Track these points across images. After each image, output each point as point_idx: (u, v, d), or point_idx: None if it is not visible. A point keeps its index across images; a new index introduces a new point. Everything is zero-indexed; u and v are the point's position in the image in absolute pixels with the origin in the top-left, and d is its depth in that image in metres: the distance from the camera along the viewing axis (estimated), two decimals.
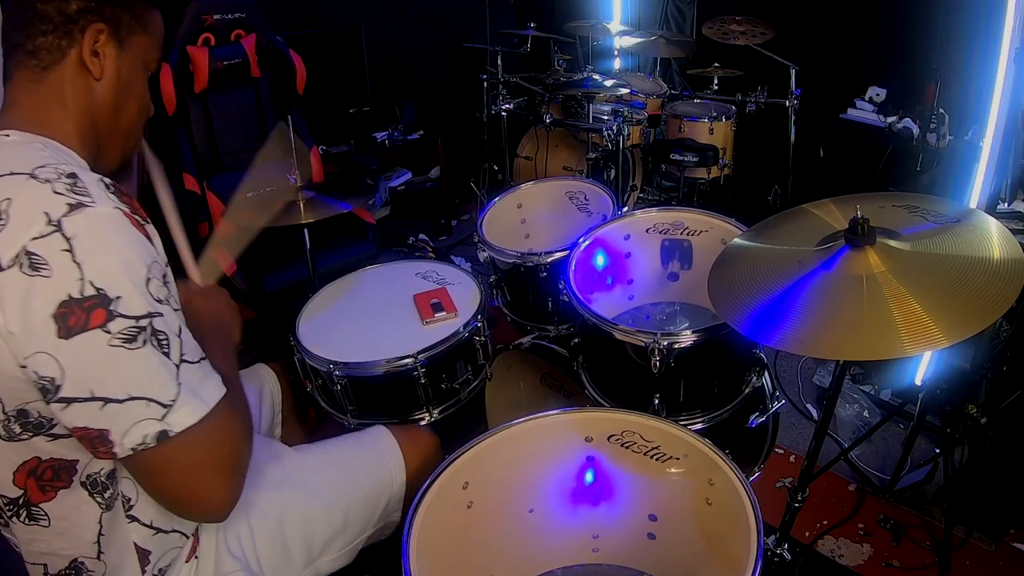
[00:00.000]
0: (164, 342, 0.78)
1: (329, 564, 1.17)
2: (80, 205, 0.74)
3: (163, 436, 0.77)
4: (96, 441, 0.76)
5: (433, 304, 1.67)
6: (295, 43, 2.74)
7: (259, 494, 1.10)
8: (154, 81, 2.37)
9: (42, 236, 0.71)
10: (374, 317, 1.68)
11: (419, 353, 1.52)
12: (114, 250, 0.75)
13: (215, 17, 2.51)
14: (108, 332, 0.73)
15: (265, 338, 2.59)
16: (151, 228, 0.83)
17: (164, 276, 0.81)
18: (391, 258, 2.52)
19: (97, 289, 0.72)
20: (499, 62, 3.16)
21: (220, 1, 2.52)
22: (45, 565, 0.91)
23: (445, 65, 4.02)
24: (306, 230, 1.85)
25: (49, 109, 0.85)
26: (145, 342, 0.76)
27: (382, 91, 3.53)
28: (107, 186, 0.79)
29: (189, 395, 0.79)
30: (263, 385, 1.51)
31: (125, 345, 0.74)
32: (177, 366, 0.79)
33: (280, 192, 1.77)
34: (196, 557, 1.01)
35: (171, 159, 2.54)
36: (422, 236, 3.65)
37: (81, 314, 0.72)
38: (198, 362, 0.83)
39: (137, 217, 0.79)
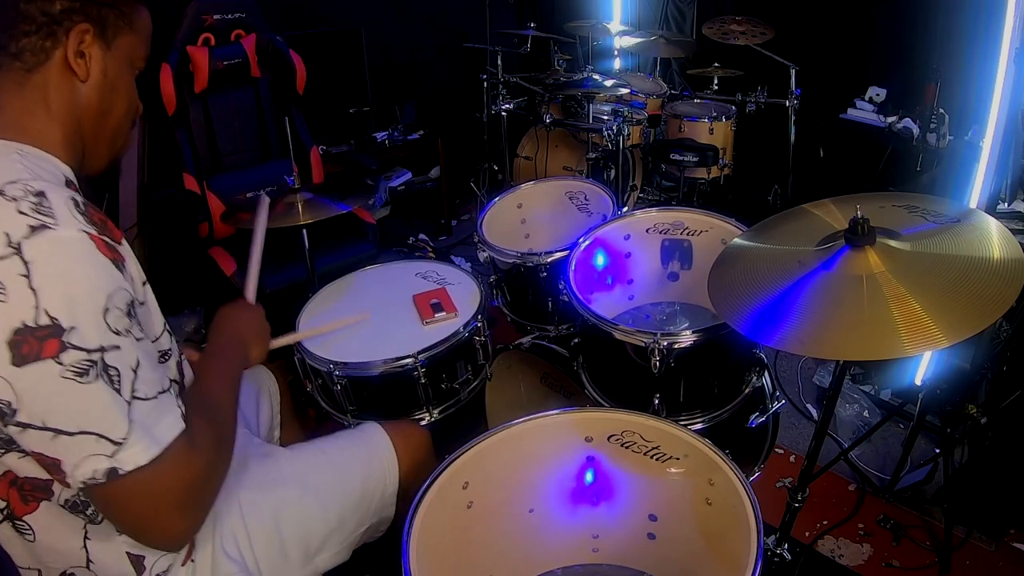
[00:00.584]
0: (115, 377, 0.74)
1: (326, 561, 1.17)
2: (43, 227, 0.71)
3: (113, 473, 0.74)
4: (51, 468, 0.75)
5: (433, 304, 1.67)
6: (295, 43, 2.74)
7: (253, 494, 1.10)
8: (154, 81, 2.38)
9: (1, 259, 0.70)
10: (374, 317, 1.68)
11: (419, 353, 1.52)
12: (73, 278, 0.72)
13: (215, 17, 2.51)
14: (60, 364, 0.71)
15: None
16: (124, 248, 0.80)
17: (129, 304, 0.77)
18: (391, 258, 2.52)
19: (52, 318, 0.70)
20: (499, 62, 3.16)
21: (220, 1, 2.52)
22: (39, 571, 0.91)
23: (445, 65, 4.02)
24: (304, 231, 1.85)
25: (33, 112, 0.83)
26: (97, 376, 0.73)
27: (382, 91, 3.53)
28: (76, 204, 0.76)
29: (141, 434, 0.76)
30: (262, 386, 1.51)
31: (77, 378, 0.72)
32: (128, 403, 0.76)
33: (280, 193, 1.76)
34: (192, 560, 1.00)
35: (171, 159, 2.54)
36: (422, 236, 3.65)
37: (35, 343, 0.70)
38: (154, 398, 0.79)
39: (106, 239, 0.76)
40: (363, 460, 1.25)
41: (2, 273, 0.69)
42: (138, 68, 0.93)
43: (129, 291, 0.78)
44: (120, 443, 0.74)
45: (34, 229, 0.71)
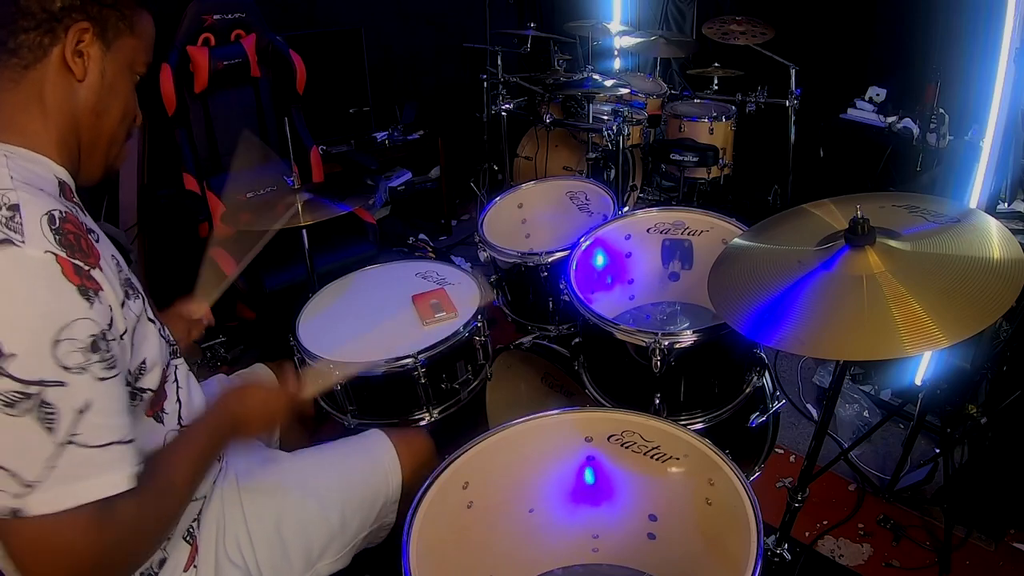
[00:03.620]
0: (51, 416, 0.69)
1: (327, 567, 1.17)
2: (7, 242, 0.69)
3: (16, 513, 0.69)
4: None
5: (432, 304, 1.67)
6: (295, 43, 2.74)
7: (257, 499, 1.10)
8: (154, 81, 2.38)
9: None
10: (374, 317, 1.68)
11: (419, 353, 1.52)
12: (25, 300, 0.68)
13: (215, 17, 2.51)
14: None
15: (265, 338, 2.59)
16: (99, 274, 0.75)
17: (94, 338, 0.72)
18: (391, 258, 2.51)
19: None
20: (499, 62, 3.16)
21: (220, 1, 2.52)
22: None
23: (445, 65, 4.02)
24: (304, 231, 1.85)
25: (27, 110, 0.82)
26: (27, 412, 0.68)
27: (382, 91, 3.53)
28: (52, 221, 0.73)
29: (56, 482, 0.70)
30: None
31: (3, 408, 0.67)
32: (62, 445, 0.70)
33: (280, 194, 1.77)
34: (195, 566, 1.00)
35: (171, 159, 2.54)
36: (422, 236, 3.65)
37: None
38: (98, 447, 0.72)
39: (77, 263, 0.72)
40: (366, 466, 1.25)
41: None
42: (138, 73, 0.91)
43: (97, 322, 0.73)
44: (29, 486, 0.69)
45: None
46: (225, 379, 1.45)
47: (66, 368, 0.70)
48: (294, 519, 1.12)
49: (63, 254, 0.72)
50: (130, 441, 0.77)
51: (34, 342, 0.68)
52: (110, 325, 0.76)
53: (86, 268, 0.74)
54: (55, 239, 0.72)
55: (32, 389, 0.68)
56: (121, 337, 0.79)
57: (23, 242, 0.70)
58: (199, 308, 1.30)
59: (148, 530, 0.82)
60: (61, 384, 0.70)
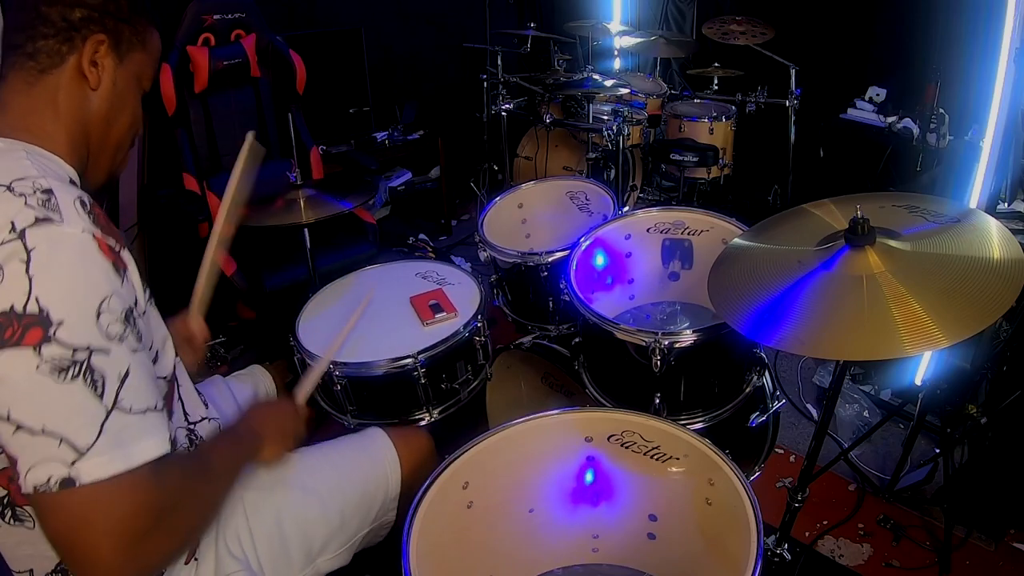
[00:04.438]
0: (98, 381, 0.71)
1: (327, 564, 1.17)
2: (47, 220, 0.72)
3: (67, 484, 0.69)
4: (12, 466, 0.72)
5: (432, 305, 1.67)
6: (295, 43, 2.74)
7: (255, 494, 1.10)
8: (154, 82, 2.38)
9: (3, 243, 0.70)
10: (374, 317, 1.68)
11: (419, 353, 1.52)
12: (70, 273, 0.72)
13: (215, 17, 2.51)
14: (39, 355, 0.69)
15: (265, 338, 2.59)
16: (126, 256, 0.79)
17: (126, 312, 0.76)
18: (391, 258, 2.52)
19: (41, 308, 0.69)
20: (499, 62, 3.16)
21: (220, 1, 2.52)
22: (31, 571, 0.89)
23: (445, 65, 4.02)
24: (306, 230, 1.85)
25: (40, 113, 0.85)
26: (75, 376, 0.70)
27: (382, 91, 3.53)
28: (83, 205, 0.76)
29: (110, 445, 0.71)
30: (258, 386, 1.52)
31: (52, 374, 0.69)
32: (108, 410, 0.72)
33: (279, 191, 1.77)
34: (196, 559, 1.00)
35: (171, 159, 2.54)
36: (422, 236, 3.65)
37: (18, 329, 0.68)
38: (141, 413, 0.75)
39: (110, 242, 0.76)
40: (366, 464, 1.25)
41: (2, 256, 0.70)
42: (144, 87, 0.95)
43: (127, 298, 0.77)
44: (83, 452, 0.70)
45: (39, 220, 0.72)
46: (222, 380, 1.45)
47: (109, 336, 0.73)
48: (294, 515, 1.13)
49: (97, 233, 0.75)
50: (162, 410, 0.79)
51: (80, 310, 0.71)
52: (135, 303, 0.80)
53: (116, 248, 0.77)
54: (89, 219, 0.76)
55: (80, 356, 0.70)
56: (143, 315, 0.83)
57: (62, 222, 0.73)
58: (196, 325, 1.29)
59: (192, 504, 0.84)
60: (106, 352, 0.72)
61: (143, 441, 0.75)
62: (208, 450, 0.98)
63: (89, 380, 0.71)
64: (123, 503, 0.72)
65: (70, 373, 0.70)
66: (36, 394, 0.70)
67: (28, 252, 0.70)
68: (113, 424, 0.72)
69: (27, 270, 0.69)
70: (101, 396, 0.72)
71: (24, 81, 0.84)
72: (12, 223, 0.71)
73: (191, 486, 0.83)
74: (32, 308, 0.69)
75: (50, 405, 0.70)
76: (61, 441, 0.70)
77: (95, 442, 0.71)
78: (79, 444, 0.70)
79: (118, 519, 0.72)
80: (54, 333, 0.69)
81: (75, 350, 0.70)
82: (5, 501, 0.84)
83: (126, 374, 0.74)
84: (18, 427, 0.70)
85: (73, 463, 0.70)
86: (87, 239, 0.74)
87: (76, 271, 0.72)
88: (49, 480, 0.69)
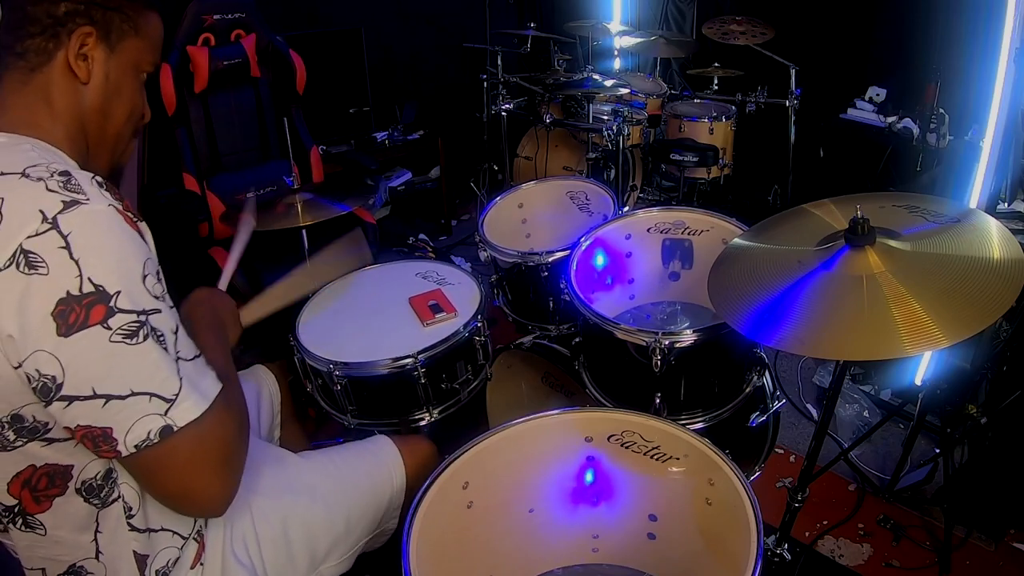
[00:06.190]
0: (162, 337, 0.78)
1: (331, 570, 1.17)
2: (75, 203, 0.74)
3: (167, 431, 0.77)
4: (99, 440, 0.76)
5: (432, 305, 1.67)
6: (295, 43, 2.74)
7: (264, 499, 1.10)
8: (154, 81, 2.38)
9: (38, 234, 0.71)
10: (374, 317, 1.68)
11: (419, 353, 1.52)
12: (111, 247, 0.75)
13: (215, 17, 2.50)
14: (109, 328, 0.73)
15: (265, 338, 2.59)
16: (143, 225, 0.83)
17: (158, 273, 0.81)
18: (391, 258, 2.51)
19: (96, 286, 0.72)
20: (499, 62, 3.16)
21: (220, 1, 2.51)
22: (43, 570, 0.90)
23: (445, 65, 4.02)
24: (304, 231, 1.85)
25: (36, 110, 0.85)
26: (146, 337, 0.76)
27: (382, 91, 3.53)
28: (99, 184, 0.79)
29: (191, 389, 0.79)
30: (261, 386, 1.51)
31: (126, 341, 0.74)
32: (176, 360, 0.79)
33: (278, 195, 1.77)
34: (202, 564, 1.00)
35: (171, 159, 2.54)
36: (422, 236, 3.65)
37: (80, 311, 0.71)
38: (192, 359, 0.84)
39: (130, 214, 0.80)
40: (372, 471, 1.26)
41: (41, 247, 0.71)
42: (145, 72, 0.94)
43: (155, 261, 0.81)
44: (172, 400, 0.77)
45: (67, 204, 0.73)
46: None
47: (156, 296, 0.79)
48: (301, 521, 1.13)
49: (119, 207, 0.78)
50: (201, 354, 0.87)
51: (130, 278, 0.76)
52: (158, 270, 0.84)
53: (136, 219, 0.81)
54: (109, 195, 0.79)
55: (143, 318, 0.76)
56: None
57: (88, 200, 0.75)
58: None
59: (242, 410, 0.93)
60: (158, 311, 0.78)
61: (206, 380, 0.84)
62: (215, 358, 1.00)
63: (155, 337, 0.77)
64: (215, 435, 0.82)
65: (140, 335, 0.75)
66: (115, 363, 0.74)
67: (65, 238, 0.72)
68: (185, 371, 0.80)
69: (70, 255, 0.72)
70: (167, 350, 0.79)
71: (18, 81, 0.85)
72: (41, 211, 0.72)
73: (236, 397, 0.93)
74: (88, 288, 0.72)
75: (131, 369, 0.75)
76: (151, 397, 0.76)
77: (180, 390, 0.78)
78: (167, 395, 0.77)
79: (217, 449, 0.82)
80: (115, 304, 0.73)
81: (138, 314, 0.75)
82: (16, 510, 0.85)
83: (176, 328, 0.82)
84: (107, 399, 0.74)
85: (166, 412, 0.77)
86: (113, 212, 0.77)
87: (115, 244, 0.75)
88: (149, 433, 0.76)
